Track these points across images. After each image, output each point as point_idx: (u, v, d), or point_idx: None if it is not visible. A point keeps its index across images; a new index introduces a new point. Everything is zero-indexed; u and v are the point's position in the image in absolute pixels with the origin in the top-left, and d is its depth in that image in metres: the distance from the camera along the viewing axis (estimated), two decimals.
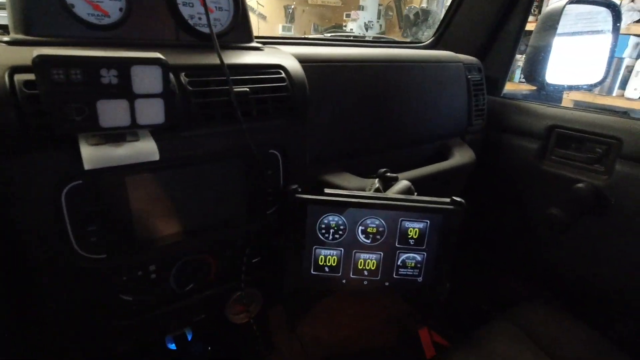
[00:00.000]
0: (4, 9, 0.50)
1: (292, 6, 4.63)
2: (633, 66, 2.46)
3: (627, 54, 2.50)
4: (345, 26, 4.40)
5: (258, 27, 4.47)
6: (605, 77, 1.14)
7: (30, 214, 0.45)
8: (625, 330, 0.98)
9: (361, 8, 4.23)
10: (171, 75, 0.50)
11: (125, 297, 0.56)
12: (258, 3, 4.27)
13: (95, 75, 0.38)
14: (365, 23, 4.16)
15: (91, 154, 0.41)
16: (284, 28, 4.63)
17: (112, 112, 0.40)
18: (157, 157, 0.45)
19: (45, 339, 0.55)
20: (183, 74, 0.51)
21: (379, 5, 4.27)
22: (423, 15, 2.60)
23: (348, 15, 4.36)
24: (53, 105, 0.37)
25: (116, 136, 0.43)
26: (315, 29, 4.82)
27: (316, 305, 1.44)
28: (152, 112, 0.43)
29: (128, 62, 0.39)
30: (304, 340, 1.32)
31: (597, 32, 1.13)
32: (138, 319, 0.59)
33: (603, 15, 1.11)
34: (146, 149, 0.44)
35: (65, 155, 0.44)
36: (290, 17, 4.69)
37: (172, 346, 0.72)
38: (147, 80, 0.41)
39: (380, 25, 4.32)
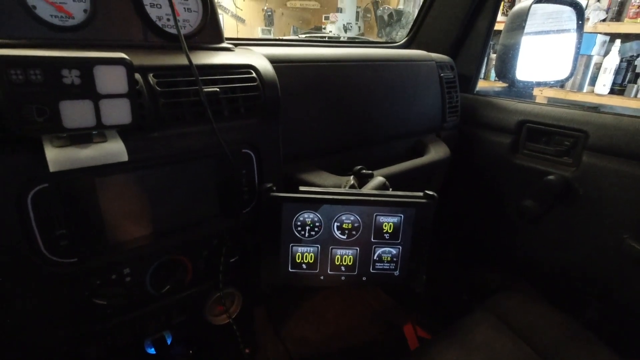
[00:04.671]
0: None
1: (271, 9, 4.63)
2: (601, 63, 2.55)
3: (595, 52, 2.60)
4: (324, 28, 4.42)
5: (237, 30, 4.45)
6: (571, 74, 1.18)
7: None
8: (596, 313, 1.02)
9: (339, 10, 4.26)
10: (139, 76, 0.50)
11: (98, 302, 0.55)
12: (236, 7, 4.25)
13: (56, 75, 0.37)
14: (344, 25, 4.20)
15: (56, 156, 0.40)
16: (263, 31, 4.63)
17: (76, 113, 0.40)
18: (125, 157, 0.45)
19: (15, 345, 0.54)
20: (151, 74, 0.51)
21: (357, 7, 4.31)
22: (397, 15, 2.65)
23: (327, 18, 4.38)
24: (12, 106, 0.37)
25: (82, 137, 0.43)
26: (295, 32, 4.83)
27: (302, 305, 1.45)
28: (118, 112, 0.42)
29: (91, 62, 0.39)
30: (290, 339, 1.32)
31: (563, 30, 1.17)
32: (113, 323, 0.59)
33: (568, 14, 1.16)
34: (114, 149, 0.44)
35: (30, 157, 0.43)
36: (269, 20, 4.69)
37: (152, 350, 0.71)
38: (111, 80, 0.41)
39: (359, 27, 4.36)
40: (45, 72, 0.37)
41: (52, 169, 0.40)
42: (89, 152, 0.42)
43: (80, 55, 0.39)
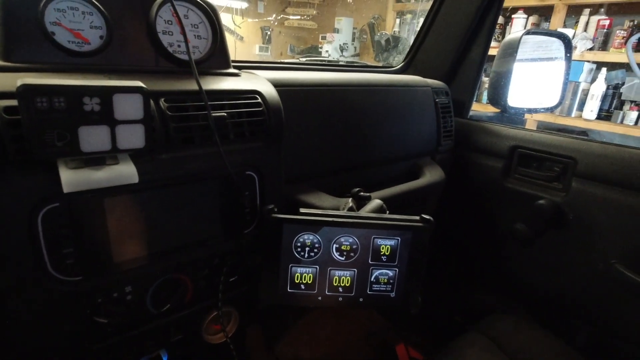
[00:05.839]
0: None
1: (270, 28, 4.73)
2: (588, 90, 2.65)
3: (583, 79, 2.70)
4: (321, 48, 4.51)
5: (235, 47, 4.52)
6: (560, 102, 1.23)
7: (5, 237, 0.45)
8: (587, 338, 1.03)
9: (336, 31, 4.36)
10: (151, 101, 0.52)
11: (99, 320, 0.55)
12: (235, 24, 4.33)
13: (78, 103, 0.39)
14: (340, 45, 4.29)
15: (70, 178, 0.42)
16: (260, 49, 4.70)
17: (93, 138, 0.41)
18: (136, 179, 0.47)
19: None
20: (162, 99, 0.53)
21: (354, 28, 4.42)
22: (393, 41, 2.73)
23: (324, 38, 4.48)
24: (35, 131, 0.38)
25: (96, 160, 0.44)
26: (292, 50, 4.92)
27: (295, 324, 1.44)
28: (133, 137, 0.44)
29: (110, 91, 0.41)
30: (283, 358, 1.31)
31: (553, 59, 1.23)
32: (112, 342, 0.59)
33: (557, 45, 1.21)
34: (126, 171, 0.46)
35: (43, 178, 0.44)
36: (267, 38, 4.77)
37: None
38: (128, 107, 0.43)
39: (355, 48, 4.46)
40: (67, 99, 0.39)
41: (66, 190, 0.42)
42: (101, 174, 0.44)
43: (101, 84, 0.41)
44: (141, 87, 0.43)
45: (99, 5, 0.53)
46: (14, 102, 0.41)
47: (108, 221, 0.51)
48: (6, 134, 0.41)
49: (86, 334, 0.56)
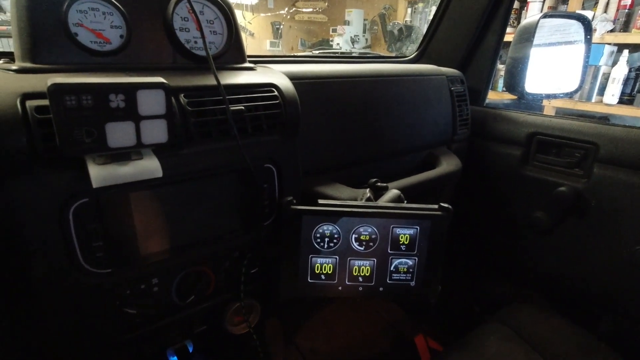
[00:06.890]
0: (6, 36, 0.53)
1: (279, 22, 4.73)
2: (609, 73, 2.56)
3: (603, 62, 2.61)
4: (332, 41, 4.49)
5: (246, 43, 4.53)
6: (580, 86, 1.20)
7: (39, 232, 0.47)
8: (610, 326, 1.02)
9: (347, 23, 4.32)
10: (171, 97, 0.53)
11: (129, 311, 0.57)
12: (245, 20, 4.34)
13: (104, 100, 0.41)
14: (351, 37, 4.25)
15: (99, 173, 0.43)
16: (271, 44, 4.70)
17: (119, 133, 0.43)
18: (160, 173, 0.48)
19: (48, 356, 0.57)
20: (182, 95, 0.54)
21: (364, 20, 4.37)
22: (406, 31, 2.70)
23: (334, 30, 4.45)
24: (65, 129, 0.40)
25: (122, 155, 0.46)
26: (303, 44, 4.91)
27: (312, 316, 1.46)
28: (156, 132, 0.46)
29: (134, 87, 0.43)
30: (302, 351, 1.33)
31: (571, 42, 1.19)
32: (141, 332, 0.61)
33: (575, 27, 1.18)
34: (150, 166, 0.47)
35: (73, 174, 0.46)
36: (278, 33, 4.77)
37: (174, 359, 0.73)
38: (151, 103, 0.44)
39: (366, 39, 4.41)
40: (95, 97, 0.40)
41: (95, 185, 0.43)
42: (128, 169, 0.45)
43: (125, 81, 0.42)
44: (163, 83, 0.45)
45: (118, 5, 0.54)
46: (43, 102, 0.43)
47: (133, 215, 0.53)
48: (37, 133, 0.43)
49: (117, 325, 0.58)
